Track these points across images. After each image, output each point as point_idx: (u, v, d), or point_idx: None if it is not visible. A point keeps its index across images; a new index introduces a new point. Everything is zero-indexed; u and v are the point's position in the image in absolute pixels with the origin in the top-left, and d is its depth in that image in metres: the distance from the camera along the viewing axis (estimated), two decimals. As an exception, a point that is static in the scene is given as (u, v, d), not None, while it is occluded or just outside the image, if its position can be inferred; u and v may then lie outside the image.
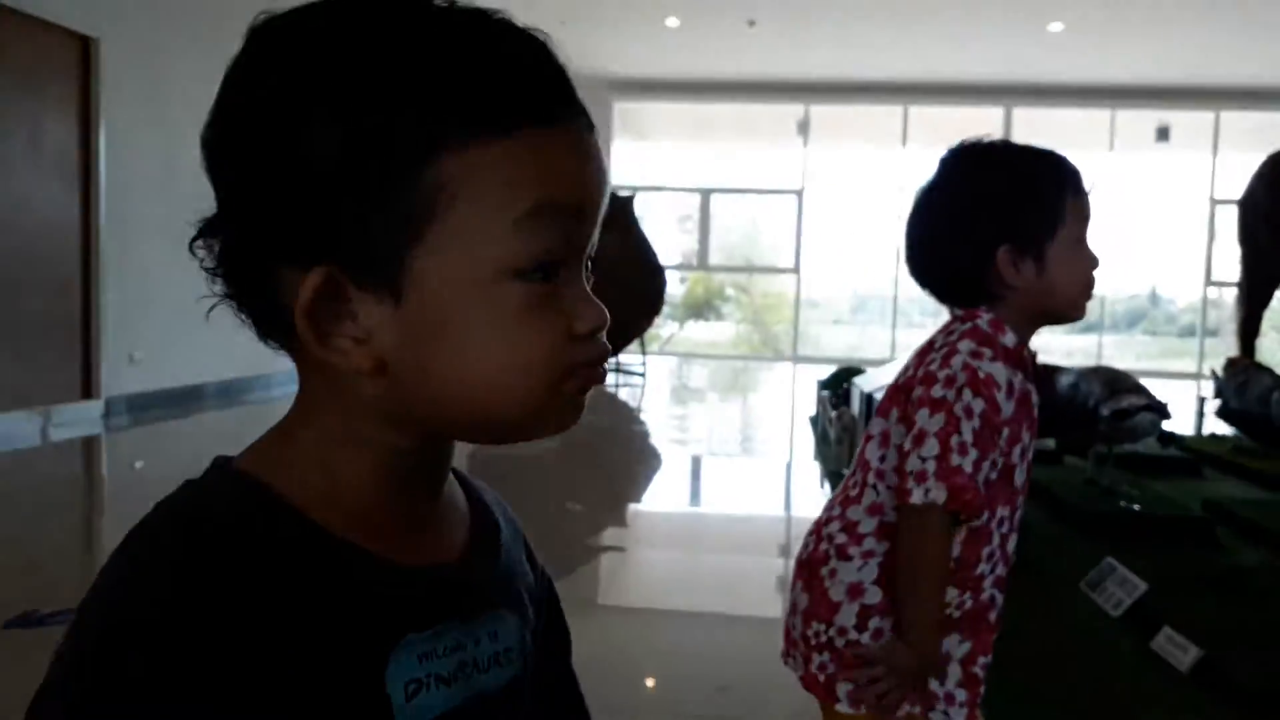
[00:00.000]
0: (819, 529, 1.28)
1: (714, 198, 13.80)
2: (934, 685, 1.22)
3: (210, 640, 0.42)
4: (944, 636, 1.21)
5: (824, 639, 1.23)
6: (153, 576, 0.45)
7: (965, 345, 1.19)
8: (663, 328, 15.96)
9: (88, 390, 5.77)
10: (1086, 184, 1.24)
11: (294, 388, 0.53)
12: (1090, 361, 10.06)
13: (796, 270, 13.45)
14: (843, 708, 1.22)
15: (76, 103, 5.61)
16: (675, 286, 15.35)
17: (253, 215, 0.48)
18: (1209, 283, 12.63)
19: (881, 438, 1.24)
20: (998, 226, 1.20)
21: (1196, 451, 5.31)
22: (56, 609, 2.58)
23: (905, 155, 12.83)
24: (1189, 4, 9.55)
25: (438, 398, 0.49)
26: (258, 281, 0.49)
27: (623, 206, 10.02)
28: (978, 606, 1.22)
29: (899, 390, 1.24)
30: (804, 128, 13.19)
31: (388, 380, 0.48)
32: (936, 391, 1.16)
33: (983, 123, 12.80)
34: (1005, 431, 1.16)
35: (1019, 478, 1.21)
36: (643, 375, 9.92)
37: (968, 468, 1.12)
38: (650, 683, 2.40)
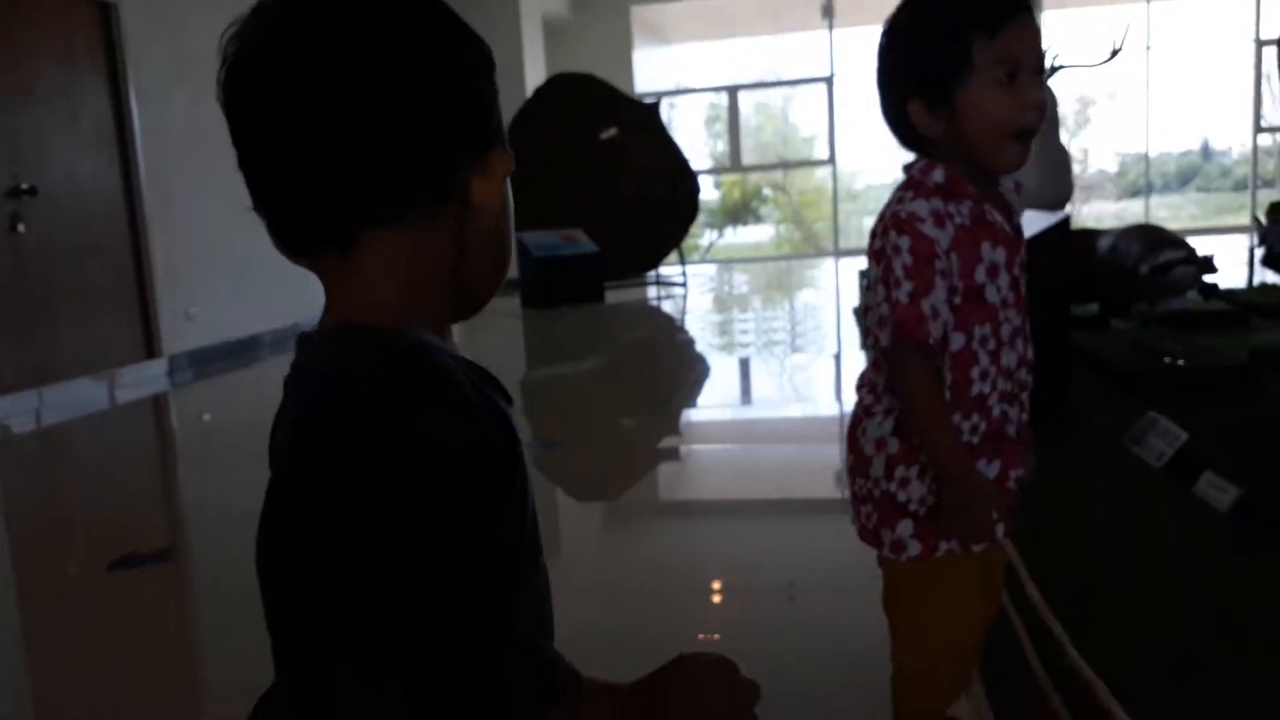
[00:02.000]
0: (858, 395, 1.36)
1: (741, 95, 13.54)
2: None
3: (473, 430, 0.61)
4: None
5: (865, 491, 1.31)
6: (433, 384, 0.62)
7: (893, 195, 1.26)
8: (701, 236, 15.92)
9: (150, 350, 5.99)
10: (1015, 16, 1.18)
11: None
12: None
13: (832, 162, 13.23)
14: (886, 554, 1.30)
15: (105, 71, 5.71)
16: (710, 192, 15.25)
17: (443, 123, 0.67)
18: (1259, 130, 12.19)
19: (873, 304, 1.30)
20: (904, 81, 1.23)
21: (1245, 303, 5.25)
22: (153, 550, 2.77)
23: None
24: None
25: (495, 255, 0.75)
26: (420, 180, 0.66)
27: (649, 114, 9.93)
28: (992, 426, 1.26)
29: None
30: (828, 11, 12.83)
31: (484, 236, 0.73)
32: (875, 244, 1.24)
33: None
34: (954, 256, 1.20)
35: (992, 294, 1.23)
36: (683, 285, 9.93)
37: (904, 299, 1.18)
38: (719, 580, 2.47)
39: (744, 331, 7.06)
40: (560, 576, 2.39)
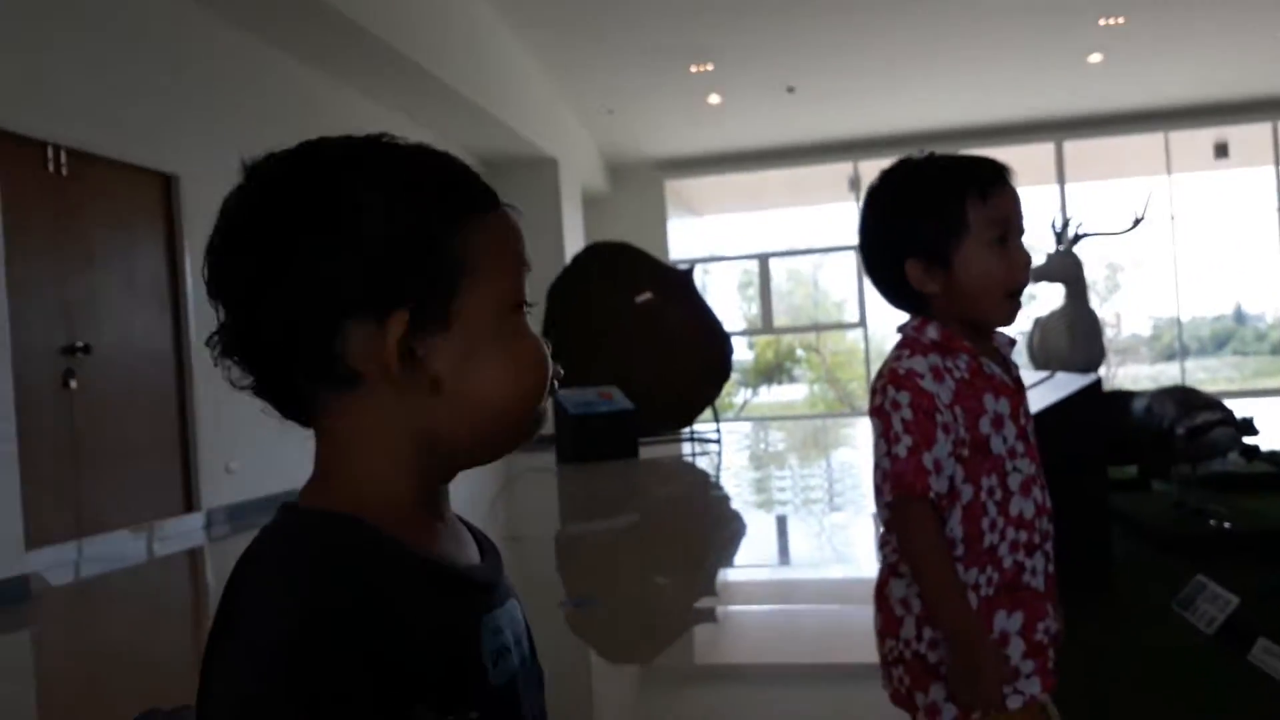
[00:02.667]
0: (883, 553, 1.36)
1: (772, 262, 13.92)
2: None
3: (373, 634, 0.56)
4: (990, 616, 1.24)
5: (896, 653, 1.29)
6: (307, 605, 0.56)
7: (891, 354, 1.30)
8: (736, 394, 16.03)
9: (189, 504, 6.06)
10: (1003, 183, 1.27)
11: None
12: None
13: (863, 324, 13.44)
14: (921, 718, 1.27)
15: (163, 236, 6.02)
16: (744, 352, 15.46)
17: (326, 288, 0.61)
18: (1291, 294, 12.25)
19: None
20: (901, 241, 1.28)
21: (1290, 465, 5.16)
22: (177, 705, 2.73)
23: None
24: (1224, 19, 9.51)
25: (473, 412, 0.64)
26: (318, 348, 0.61)
27: (682, 280, 10.22)
28: (1006, 577, 1.25)
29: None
30: (855, 184, 13.32)
31: (437, 401, 0.63)
32: (875, 401, 1.27)
33: (1035, 160, 12.78)
34: (958, 410, 1.23)
35: (997, 445, 1.25)
36: (718, 442, 9.95)
37: (902, 453, 1.20)
38: None
39: (780, 489, 7.01)
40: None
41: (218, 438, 6.27)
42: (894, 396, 1.23)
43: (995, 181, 1.28)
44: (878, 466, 1.30)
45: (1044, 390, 3.63)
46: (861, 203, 1.37)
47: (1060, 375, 3.89)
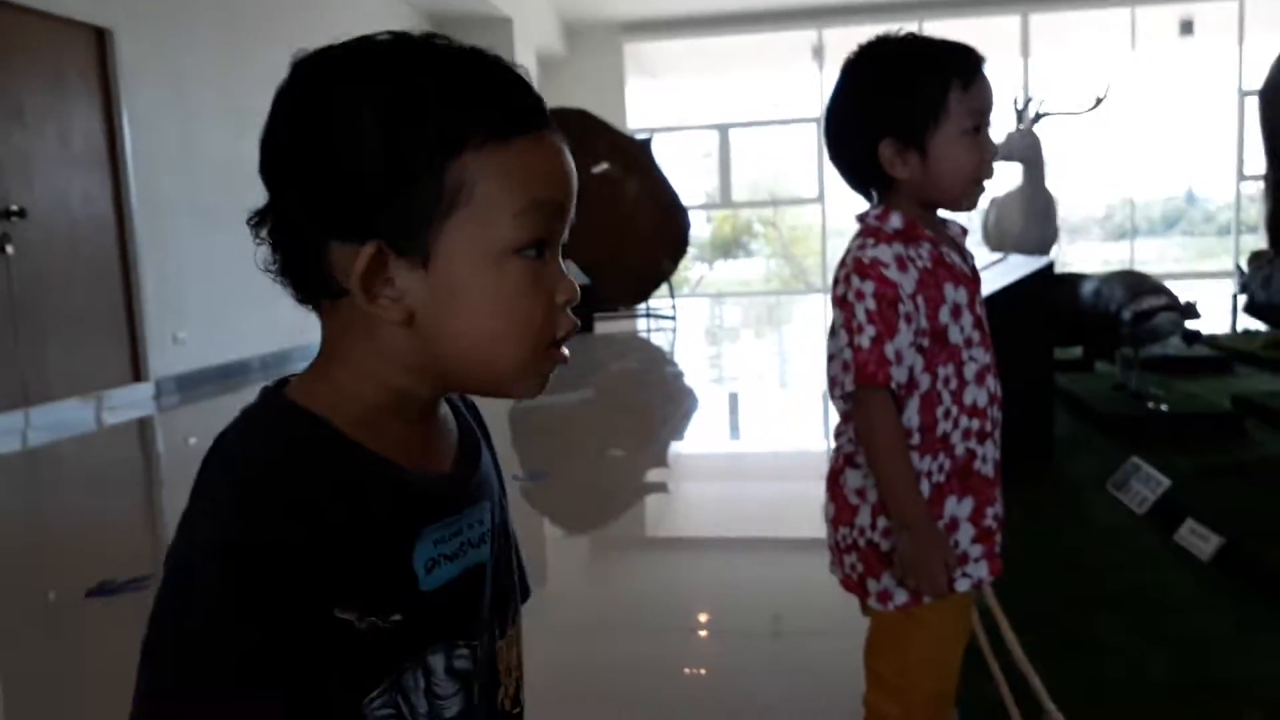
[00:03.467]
0: (837, 444, 1.37)
1: (732, 133, 13.68)
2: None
3: (308, 530, 0.57)
4: (941, 502, 1.27)
5: (850, 541, 1.32)
6: (246, 491, 0.58)
7: (854, 242, 1.29)
8: (691, 269, 15.99)
9: (137, 373, 5.97)
10: (983, 74, 1.26)
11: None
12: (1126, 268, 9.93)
13: (821, 200, 13.36)
14: (872, 603, 1.31)
15: (99, 94, 5.73)
16: (702, 226, 15.35)
17: (312, 203, 0.60)
18: (1242, 178, 12.37)
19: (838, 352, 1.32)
20: (878, 120, 1.26)
21: (1229, 349, 5.31)
22: (130, 577, 2.75)
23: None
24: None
25: (450, 350, 0.62)
26: (310, 256, 0.61)
27: (641, 149, 10.02)
28: (958, 464, 1.28)
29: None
30: (819, 53, 13.01)
31: (414, 331, 0.61)
32: (839, 290, 1.27)
33: (1000, 33, 12.55)
34: (920, 300, 1.23)
35: (955, 335, 1.27)
36: (673, 319, 9.97)
37: (865, 344, 1.21)
38: (704, 616, 2.48)
39: (733, 366, 7.08)
40: (545, 610, 2.39)
41: (164, 307, 6.14)
42: (858, 286, 1.22)
43: (977, 71, 1.27)
44: (834, 357, 1.30)
45: (998, 272, 3.65)
46: (837, 78, 1.32)
47: (1013, 258, 3.92)
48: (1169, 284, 3.96)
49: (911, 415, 1.26)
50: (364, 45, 0.62)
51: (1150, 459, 3.10)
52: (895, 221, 1.26)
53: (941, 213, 1.33)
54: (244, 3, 7.06)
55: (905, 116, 1.24)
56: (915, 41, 1.29)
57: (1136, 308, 3.54)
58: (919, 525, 1.23)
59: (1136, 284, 3.72)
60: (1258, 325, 5.56)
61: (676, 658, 2.21)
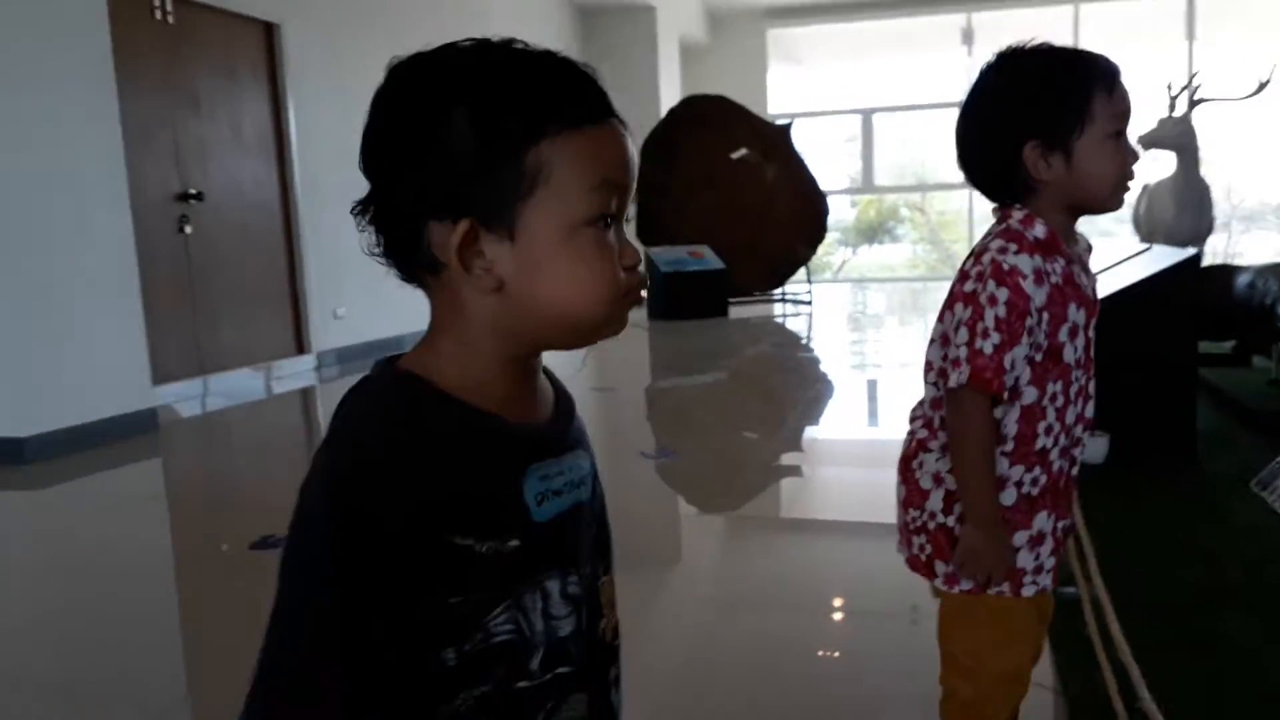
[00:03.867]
0: (911, 428, 1.42)
1: (876, 118, 13.44)
2: (1026, 560, 1.31)
3: (415, 473, 0.68)
4: (1032, 514, 1.31)
5: (919, 523, 1.37)
6: (370, 441, 0.70)
7: (995, 244, 1.30)
8: (834, 254, 15.80)
9: (300, 346, 6.42)
10: (1122, 81, 1.29)
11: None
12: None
13: (969, 185, 12.95)
14: (939, 584, 1.36)
15: (266, 85, 6.16)
16: (845, 211, 15.16)
17: (413, 188, 0.70)
18: None
19: (941, 339, 1.35)
20: (1024, 123, 1.28)
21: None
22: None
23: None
24: None
25: (537, 311, 0.72)
26: (412, 236, 0.71)
27: (780, 134, 9.98)
28: (1051, 479, 1.32)
29: (949, 293, 1.35)
30: (968, 36, 12.63)
31: (505, 297, 0.72)
32: (967, 286, 1.29)
33: (1165, 15, 11.88)
34: (1045, 316, 1.27)
35: (1069, 354, 1.30)
36: (809, 303, 9.92)
37: (988, 350, 1.24)
38: (838, 600, 2.50)
39: (872, 351, 7.03)
40: (681, 584, 2.48)
41: (325, 286, 6.56)
42: (993, 291, 1.26)
43: (1118, 78, 1.30)
44: (935, 341, 1.35)
45: (1142, 263, 3.54)
46: (974, 82, 1.36)
47: (1158, 248, 3.78)
48: None
49: (1010, 424, 1.30)
50: (450, 51, 0.73)
51: (1302, 458, 2.97)
52: (1039, 230, 1.29)
53: (1080, 223, 1.36)
54: (405, 2, 7.43)
55: (1052, 120, 1.27)
56: (1056, 50, 1.33)
57: (1294, 301, 3.37)
58: (989, 526, 1.28)
59: (1295, 276, 3.54)
60: None
61: (810, 638, 2.26)
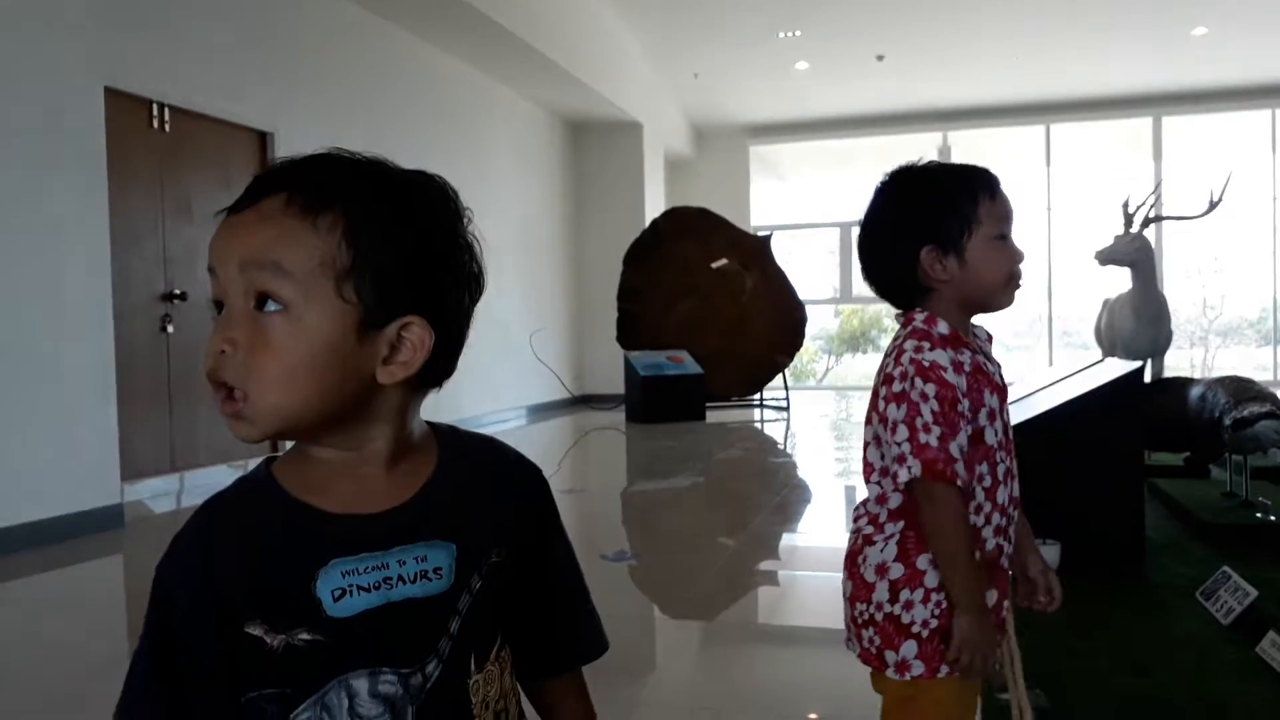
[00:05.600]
0: (856, 525, 1.49)
1: (855, 231, 13.75)
2: None
3: (209, 557, 0.74)
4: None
5: (867, 616, 1.42)
6: (186, 524, 0.77)
7: (909, 344, 1.40)
8: (817, 362, 15.99)
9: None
10: (1001, 189, 1.44)
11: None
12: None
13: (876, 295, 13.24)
14: (891, 674, 1.40)
15: (258, 191, 6.35)
16: (829, 320, 15.42)
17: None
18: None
19: (875, 441, 1.44)
20: (920, 230, 1.41)
21: (1362, 462, 5.04)
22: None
23: (1051, 175, 12.53)
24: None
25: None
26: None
27: (760, 245, 10.25)
28: (988, 557, 1.39)
29: (873, 397, 1.44)
30: (945, 154, 13.08)
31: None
32: (895, 387, 1.38)
33: (1131, 134, 12.35)
34: (966, 402, 1.36)
35: (990, 437, 1.39)
36: (786, 409, 10.03)
37: (934, 442, 1.32)
38: (814, 715, 2.46)
39: (846, 457, 7.08)
40: (620, 690, 2.47)
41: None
42: (922, 388, 1.34)
43: (999, 186, 1.45)
44: (870, 443, 1.43)
45: (1093, 374, 3.65)
46: (872, 199, 1.49)
47: (1110, 361, 3.89)
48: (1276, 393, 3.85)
49: None
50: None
51: (1248, 570, 3.02)
52: (942, 328, 1.40)
53: (975, 319, 1.48)
54: (394, 111, 7.72)
55: (945, 225, 1.40)
56: (943, 165, 1.48)
57: (1237, 414, 3.46)
58: (979, 614, 1.34)
59: (1241, 390, 3.64)
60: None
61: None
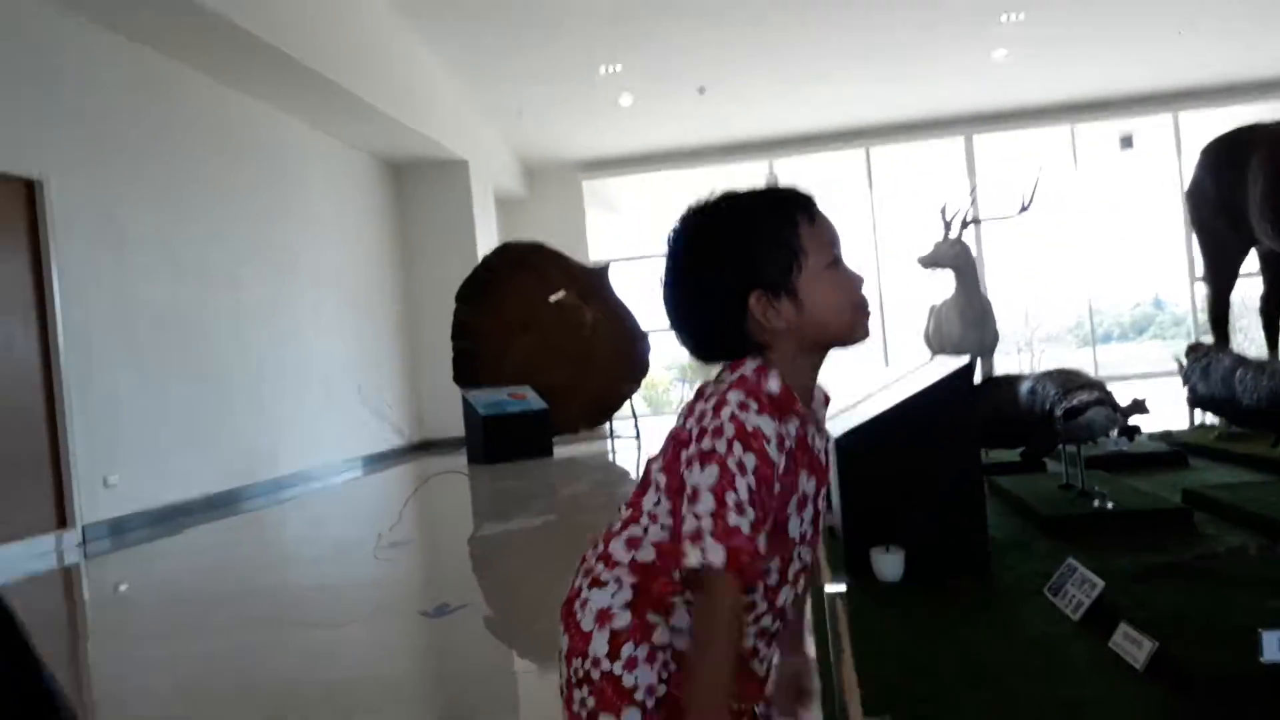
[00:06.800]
0: (580, 566, 1.22)
1: (693, 259, 13.84)
2: None
3: None
4: None
5: (582, 673, 1.14)
6: None
7: (734, 396, 1.12)
8: (671, 389, 15.94)
9: (62, 520, 5.75)
10: (822, 208, 1.20)
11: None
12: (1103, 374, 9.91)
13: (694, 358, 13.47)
14: None
15: (27, 244, 5.70)
16: (679, 348, 15.39)
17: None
18: (1195, 280, 12.53)
19: (654, 485, 1.18)
20: (739, 277, 1.16)
21: (1183, 444, 5.19)
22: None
23: (874, 196, 12.95)
24: (1132, 13, 9.68)
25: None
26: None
27: (598, 277, 10.09)
28: (740, 658, 1.14)
29: (674, 440, 1.17)
30: (773, 182, 13.32)
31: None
32: (706, 444, 1.09)
33: (946, 154, 12.90)
34: (778, 486, 1.11)
35: (794, 528, 1.15)
36: (637, 438, 9.85)
37: (746, 529, 1.04)
38: None
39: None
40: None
41: (94, 451, 5.96)
42: (741, 456, 1.07)
43: (814, 206, 1.20)
44: (653, 490, 1.17)
45: (923, 375, 3.55)
46: (668, 253, 1.23)
47: (939, 359, 3.82)
48: (1138, 385, 3.88)
49: None
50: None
51: (1092, 560, 2.93)
52: (773, 385, 1.13)
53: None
54: (193, 160, 7.16)
55: (768, 265, 1.15)
56: (744, 195, 1.21)
57: (1068, 404, 3.42)
58: (718, 716, 1.06)
59: (1069, 380, 3.62)
60: (1213, 419, 5.46)
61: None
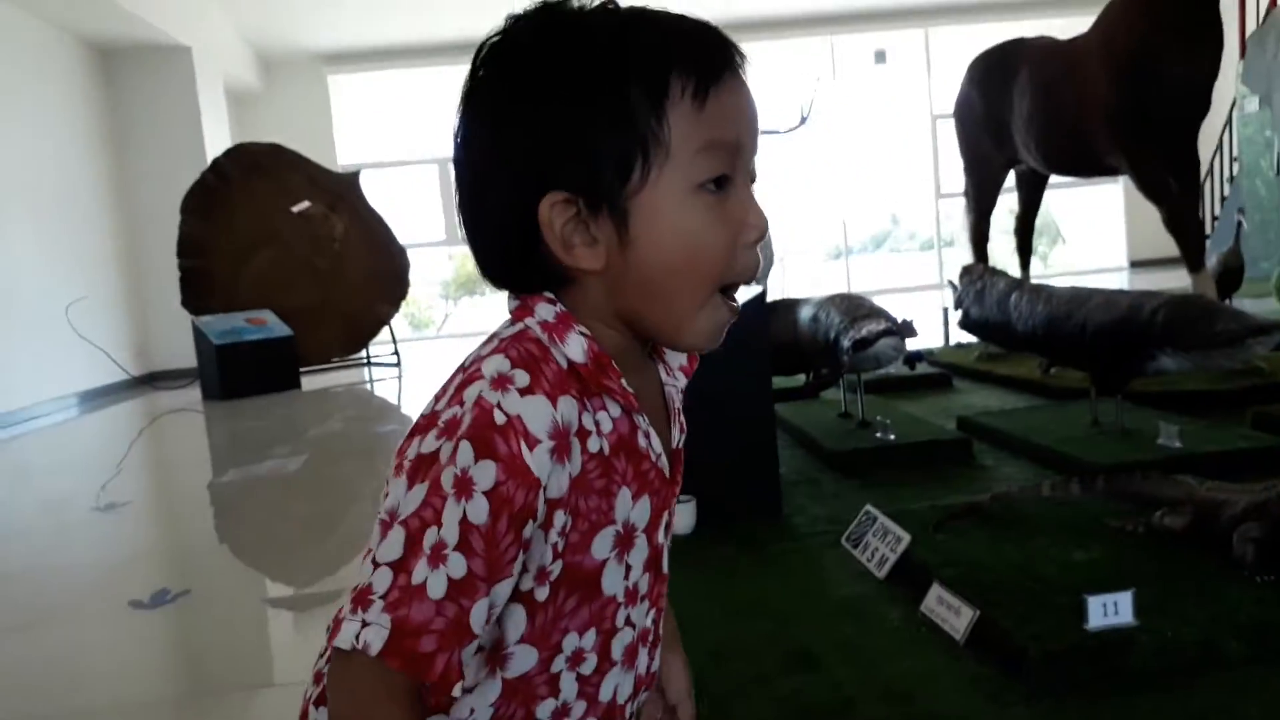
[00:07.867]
0: (317, 668, 0.80)
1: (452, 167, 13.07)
2: None
3: None
4: None
5: None
6: None
7: (491, 366, 0.69)
8: (432, 309, 15.23)
9: None
10: (735, 75, 0.72)
11: None
12: (840, 286, 10.22)
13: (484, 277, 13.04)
14: None
15: None
16: (443, 265, 14.65)
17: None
18: (939, 196, 13.21)
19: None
20: (530, 161, 0.69)
21: (946, 364, 5.29)
22: None
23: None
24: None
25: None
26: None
27: (348, 185, 9.22)
28: None
29: (411, 435, 0.72)
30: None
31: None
32: (428, 443, 0.67)
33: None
34: (565, 517, 0.68)
35: (611, 582, 0.73)
36: (398, 365, 9.20)
37: (434, 592, 0.62)
38: None
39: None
40: None
41: None
42: (470, 470, 0.63)
43: (723, 70, 0.71)
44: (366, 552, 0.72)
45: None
46: (462, 92, 0.77)
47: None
48: (883, 299, 3.79)
49: (481, 709, 0.70)
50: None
51: (881, 498, 2.79)
52: (574, 348, 0.69)
53: None
54: None
55: (584, 153, 0.68)
56: (603, 12, 0.71)
57: (856, 334, 3.25)
58: None
59: (853, 308, 3.46)
60: (968, 338, 5.60)
61: None
